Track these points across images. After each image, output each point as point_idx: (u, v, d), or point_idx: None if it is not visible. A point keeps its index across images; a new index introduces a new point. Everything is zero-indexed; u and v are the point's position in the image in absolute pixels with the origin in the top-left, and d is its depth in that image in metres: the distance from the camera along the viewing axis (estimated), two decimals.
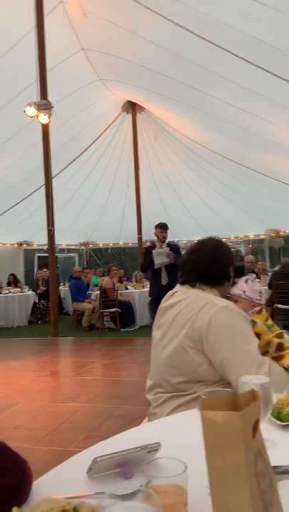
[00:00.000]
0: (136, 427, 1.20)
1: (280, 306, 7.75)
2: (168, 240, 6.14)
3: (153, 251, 5.84)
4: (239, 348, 1.45)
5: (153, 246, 6.04)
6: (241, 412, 0.62)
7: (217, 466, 0.63)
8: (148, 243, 15.51)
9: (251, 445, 0.64)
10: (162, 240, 5.93)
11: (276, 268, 9.82)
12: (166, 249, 5.71)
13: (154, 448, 0.88)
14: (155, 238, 6.12)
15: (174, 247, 5.94)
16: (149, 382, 1.70)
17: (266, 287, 8.37)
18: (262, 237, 14.66)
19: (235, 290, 1.72)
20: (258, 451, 0.66)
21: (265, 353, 1.67)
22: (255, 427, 0.67)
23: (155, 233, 6.06)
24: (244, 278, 1.75)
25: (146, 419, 1.76)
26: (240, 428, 0.61)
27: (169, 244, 5.94)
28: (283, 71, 6.29)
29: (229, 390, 0.78)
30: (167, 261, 5.66)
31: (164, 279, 5.76)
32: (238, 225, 14.08)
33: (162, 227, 6.00)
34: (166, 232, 6.00)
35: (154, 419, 1.60)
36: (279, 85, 6.58)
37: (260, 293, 1.73)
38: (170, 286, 5.43)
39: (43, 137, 8.06)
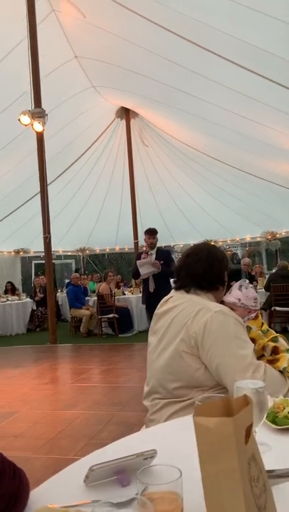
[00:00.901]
0: (132, 434, 1.21)
1: (277, 308, 7.77)
2: (163, 244, 6.08)
3: (137, 262, 5.72)
4: (234, 352, 1.46)
5: (141, 252, 5.95)
6: (233, 418, 0.63)
7: (211, 472, 0.63)
8: (144, 248, 15.55)
9: (244, 450, 0.65)
10: (150, 246, 5.79)
11: (273, 270, 9.85)
12: (150, 260, 5.56)
13: (150, 455, 0.89)
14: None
15: (164, 253, 5.86)
16: (146, 389, 1.71)
17: (263, 290, 8.40)
18: (258, 239, 14.73)
19: (230, 299, 1.72)
20: (251, 455, 0.67)
21: (260, 357, 1.68)
22: (248, 432, 0.68)
23: (144, 239, 5.96)
24: (238, 284, 1.76)
25: (144, 425, 1.76)
26: (232, 433, 0.62)
27: (159, 250, 5.81)
28: (274, 74, 6.35)
29: (224, 395, 0.78)
30: (153, 270, 5.52)
31: (152, 286, 5.66)
32: (234, 228, 14.14)
33: (150, 233, 5.85)
34: (154, 238, 5.83)
35: (151, 425, 1.60)
36: (270, 88, 6.64)
37: (256, 299, 1.73)
38: (158, 293, 5.41)
39: (38, 145, 8.08)
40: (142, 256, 5.79)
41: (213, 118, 8.68)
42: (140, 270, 5.60)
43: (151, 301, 5.52)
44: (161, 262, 5.60)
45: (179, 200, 13.68)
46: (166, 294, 1.80)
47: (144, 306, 6.26)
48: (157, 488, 0.67)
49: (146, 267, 5.55)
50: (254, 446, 0.69)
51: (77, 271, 14.07)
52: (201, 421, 0.65)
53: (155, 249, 5.80)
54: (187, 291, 1.68)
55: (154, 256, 5.70)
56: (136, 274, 5.85)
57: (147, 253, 5.73)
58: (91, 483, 0.87)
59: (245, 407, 0.69)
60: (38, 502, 0.82)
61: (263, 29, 5.64)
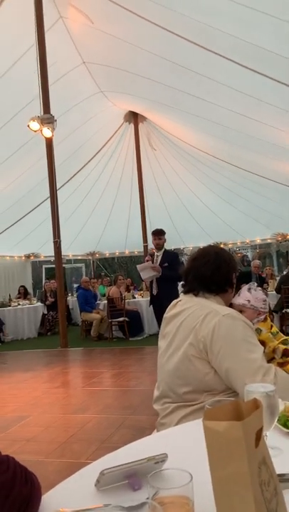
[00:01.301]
0: (143, 437, 1.21)
1: (288, 310, 7.71)
2: (172, 247, 5.98)
3: (137, 266, 5.62)
4: (244, 356, 1.45)
5: (152, 255, 5.84)
6: (243, 422, 0.63)
7: (221, 476, 0.64)
8: (153, 251, 15.55)
9: (254, 454, 0.65)
10: (157, 247, 5.66)
11: (284, 272, 9.79)
12: (150, 264, 5.41)
13: (161, 459, 0.89)
14: (164, 246, 5.91)
15: (170, 255, 5.68)
16: (156, 393, 1.71)
17: (274, 292, 8.34)
18: (268, 241, 14.64)
19: (240, 300, 1.72)
20: (261, 459, 0.67)
21: (271, 359, 1.67)
22: (259, 436, 0.68)
23: (152, 241, 5.84)
24: (246, 286, 1.76)
25: (156, 429, 1.76)
26: (242, 437, 0.62)
27: (166, 252, 5.66)
28: (281, 75, 6.33)
29: (233, 399, 0.78)
30: (155, 274, 5.35)
31: (154, 289, 5.52)
32: (243, 230, 14.07)
33: (156, 234, 5.71)
34: (160, 239, 5.67)
35: (162, 429, 1.60)
36: (278, 89, 6.62)
37: (265, 301, 1.73)
38: (160, 296, 5.32)
39: (47, 150, 8.15)
40: (146, 259, 5.70)
41: (221, 120, 8.67)
42: (141, 274, 5.49)
43: (155, 304, 5.48)
44: (166, 264, 5.44)
45: (188, 202, 13.67)
46: (171, 298, 1.79)
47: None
48: (168, 493, 0.67)
49: (146, 271, 5.42)
50: (265, 450, 0.69)
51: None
52: (210, 425, 0.65)
53: (162, 250, 5.66)
54: (196, 295, 1.68)
55: (160, 258, 5.56)
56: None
57: (152, 255, 5.62)
58: (102, 487, 0.87)
59: (255, 410, 0.69)
60: (50, 506, 0.82)
61: (269, 31, 5.63)
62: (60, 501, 0.85)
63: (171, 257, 5.62)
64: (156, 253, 5.62)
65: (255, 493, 0.61)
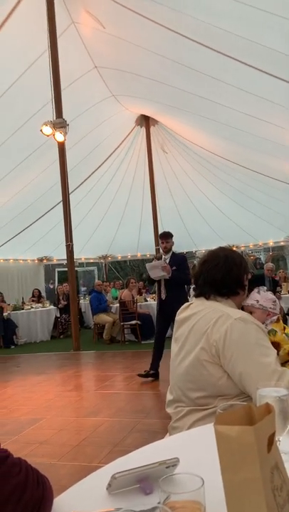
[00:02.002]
0: (156, 441, 1.20)
1: None
2: (185, 250, 5.85)
3: (146, 264, 5.51)
4: (257, 360, 1.43)
5: (160, 257, 5.74)
6: (255, 426, 0.63)
7: (233, 481, 0.63)
8: (161, 254, 15.51)
9: (267, 459, 0.64)
10: (165, 250, 5.53)
11: None
12: (161, 262, 5.26)
13: (173, 463, 0.89)
14: (174, 249, 5.79)
15: (178, 258, 5.52)
16: (169, 397, 1.70)
17: (288, 294, 8.26)
18: (282, 244, 14.50)
19: (249, 301, 1.71)
20: (274, 464, 0.66)
21: (286, 362, 1.65)
22: (271, 441, 0.67)
23: (160, 244, 5.70)
24: (256, 289, 1.74)
25: (168, 433, 1.76)
26: (254, 442, 0.62)
27: (174, 255, 5.51)
28: None
29: (245, 403, 0.77)
30: (164, 274, 5.20)
31: (163, 293, 5.36)
32: (256, 233, 13.97)
33: (163, 237, 5.58)
34: (168, 242, 5.53)
35: (174, 432, 1.59)
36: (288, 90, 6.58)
37: (274, 302, 1.72)
38: (168, 301, 5.21)
39: (60, 155, 8.22)
40: (154, 260, 5.60)
41: (233, 122, 8.65)
42: (150, 274, 5.35)
43: (163, 308, 5.36)
44: (174, 267, 5.29)
45: (200, 205, 13.63)
46: (180, 302, 1.78)
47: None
48: (180, 497, 0.67)
49: (156, 271, 5.26)
50: (277, 455, 0.68)
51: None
52: (222, 429, 0.65)
53: (170, 253, 5.53)
54: (207, 298, 1.66)
55: (168, 261, 5.39)
56: (149, 279, 5.63)
57: (159, 258, 5.49)
58: (114, 491, 0.87)
59: (267, 415, 0.68)
60: (62, 509, 0.82)
61: (278, 31, 5.60)
62: (72, 504, 0.85)
63: (180, 260, 5.49)
64: (164, 256, 5.52)
65: (268, 499, 0.61)
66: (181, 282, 5.37)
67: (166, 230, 5.75)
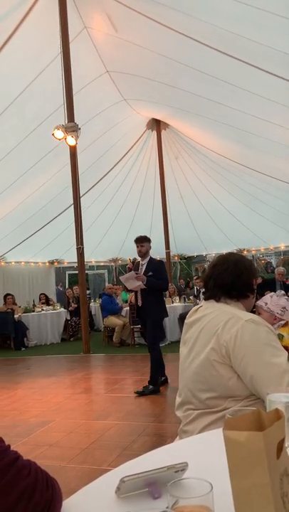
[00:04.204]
0: (165, 445, 1.20)
1: None
2: (195, 253, 5.65)
3: (120, 278, 5.32)
4: (268, 361, 1.44)
5: (134, 263, 5.50)
6: (264, 432, 0.62)
7: (241, 487, 0.63)
8: (176, 258, 15.49)
9: (276, 465, 0.64)
10: (139, 254, 5.31)
11: None
12: (133, 274, 5.06)
13: (181, 468, 0.88)
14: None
15: (154, 264, 5.26)
16: (178, 399, 1.70)
17: None
18: None
19: (259, 302, 1.72)
20: (283, 470, 0.66)
21: None
22: (280, 447, 0.67)
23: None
24: (272, 293, 1.75)
25: (178, 437, 1.75)
26: (263, 448, 0.62)
27: (151, 260, 5.28)
28: None
29: (254, 408, 0.77)
30: (140, 284, 4.98)
31: (139, 300, 5.18)
32: (267, 237, 13.89)
33: (138, 241, 5.31)
34: (142, 246, 5.24)
35: (184, 436, 1.59)
36: None
37: (284, 308, 1.71)
38: (145, 307, 5.11)
39: (71, 158, 8.27)
40: (127, 267, 5.38)
41: (244, 126, 8.63)
42: (127, 286, 5.12)
43: (141, 316, 5.31)
44: (150, 273, 5.08)
45: (210, 208, 13.60)
46: (157, 309, 1.80)
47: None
48: (188, 502, 0.67)
49: (131, 282, 5.04)
50: (287, 462, 0.68)
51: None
52: (231, 435, 0.64)
53: (147, 259, 5.25)
54: (217, 301, 1.68)
55: (144, 267, 5.18)
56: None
57: (133, 263, 5.26)
58: (122, 495, 0.87)
59: (276, 421, 0.68)
60: None
61: None
62: (81, 507, 0.85)
63: (155, 266, 5.24)
64: (141, 262, 5.28)
65: (277, 505, 0.60)
66: (157, 289, 5.15)
67: (142, 235, 5.50)
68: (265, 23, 5.54)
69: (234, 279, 1.67)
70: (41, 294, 12.08)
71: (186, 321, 1.77)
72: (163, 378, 5.31)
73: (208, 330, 1.58)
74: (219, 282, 1.68)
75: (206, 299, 1.73)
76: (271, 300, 1.70)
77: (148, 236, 5.47)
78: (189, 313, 1.78)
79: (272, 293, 1.76)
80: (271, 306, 1.69)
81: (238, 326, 1.50)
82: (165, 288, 5.45)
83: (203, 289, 1.78)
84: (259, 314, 1.63)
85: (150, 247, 5.38)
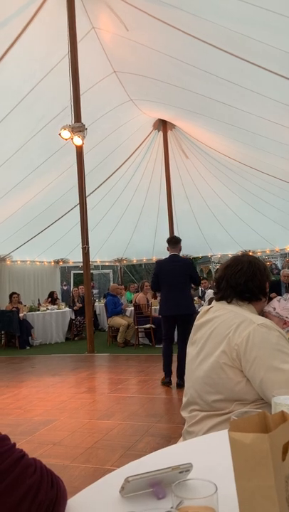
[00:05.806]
0: (169, 446, 1.20)
1: None
2: (200, 255, 5.77)
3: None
4: (278, 367, 1.42)
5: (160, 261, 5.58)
6: (270, 434, 0.62)
7: (246, 488, 0.63)
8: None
9: (281, 467, 0.64)
10: None
11: None
12: None
13: (186, 468, 0.88)
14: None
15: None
16: (184, 399, 1.70)
17: None
18: None
19: (267, 307, 1.71)
20: (288, 473, 0.66)
21: None
22: (286, 449, 0.66)
23: None
24: (279, 297, 1.74)
25: (182, 438, 1.75)
26: (268, 450, 0.62)
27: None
28: None
29: (260, 410, 0.77)
30: None
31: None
32: (273, 238, 13.85)
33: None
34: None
35: (189, 437, 1.59)
36: None
37: None
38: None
39: (77, 158, 8.29)
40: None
41: (251, 127, 8.60)
42: None
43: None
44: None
45: (216, 210, 13.58)
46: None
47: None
48: (192, 503, 0.66)
49: None
50: None
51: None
52: (236, 436, 0.64)
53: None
54: (229, 302, 1.67)
55: None
56: (154, 283, 5.54)
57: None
58: (127, 495, 0.87)
59: (282, 423, 0.68)
60: (75, 511, 0.83)
61: None
62: (85, 506, 0.85)
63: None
64: None
65: (282, 508, 0.60)
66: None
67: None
68: (274, 24, 5.52)
69: (247, 280, 1.65)
70: (53, 291, 12.15)
71: (196, 321, 1.76)
72: (166, 380, 5.34)
73: (220, 332, 1.56)
74: (232, 283, 1.66)
75: (218, 299, 1.72)
76: (279, 305, 1.69)
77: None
78: (199, 313, 1.77)
79: (279, 297, 1.75)
80: (280, 311, 1.68)
81: (250, 329, 1.49)
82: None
83: (214, 290, 1.77)
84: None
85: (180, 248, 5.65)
